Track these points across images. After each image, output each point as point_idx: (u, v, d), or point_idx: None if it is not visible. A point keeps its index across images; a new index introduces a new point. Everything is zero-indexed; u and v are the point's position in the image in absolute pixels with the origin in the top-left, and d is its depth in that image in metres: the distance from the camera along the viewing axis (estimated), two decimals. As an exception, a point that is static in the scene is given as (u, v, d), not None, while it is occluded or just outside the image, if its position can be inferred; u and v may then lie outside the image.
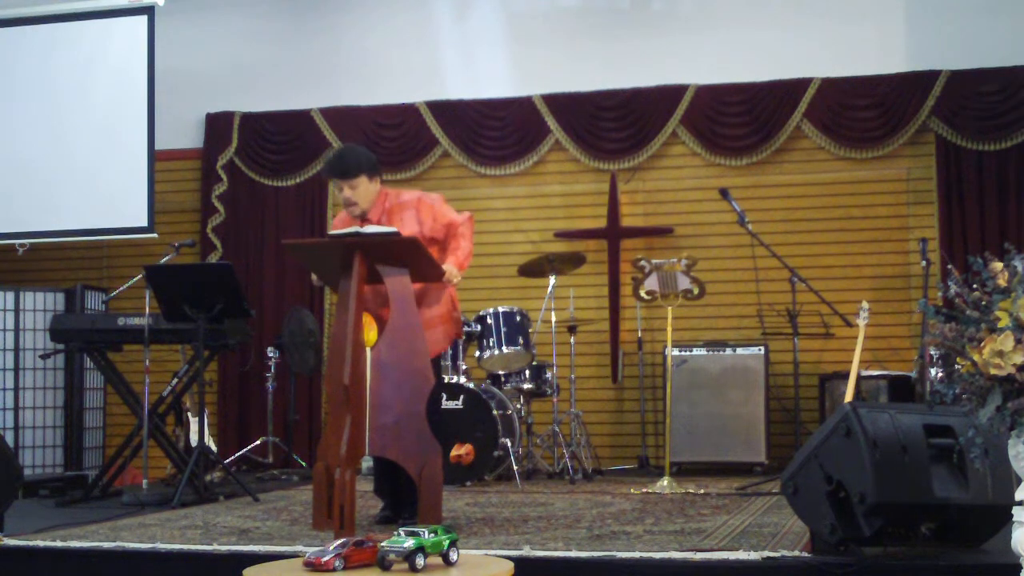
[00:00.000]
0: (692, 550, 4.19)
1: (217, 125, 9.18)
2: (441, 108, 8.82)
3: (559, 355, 7.67)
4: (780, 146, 8.38)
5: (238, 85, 9.15)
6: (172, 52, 8.74)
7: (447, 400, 6.91)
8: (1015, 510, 3.39)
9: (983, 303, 3.37)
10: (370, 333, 4.70)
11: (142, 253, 8.40)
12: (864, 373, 7.34)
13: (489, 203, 8.74)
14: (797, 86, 8.32)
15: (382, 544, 3.28)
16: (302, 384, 8.70)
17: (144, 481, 6.52)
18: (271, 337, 8.44)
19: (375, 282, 4.91)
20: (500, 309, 7.36)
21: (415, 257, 4.79)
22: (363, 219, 5.15)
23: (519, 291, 8.26)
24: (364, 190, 5.13)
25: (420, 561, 3.22)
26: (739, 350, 7.77)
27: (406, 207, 5.16)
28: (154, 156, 8.28)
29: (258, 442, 8.39)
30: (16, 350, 8.07)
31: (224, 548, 4.43)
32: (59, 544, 4.60)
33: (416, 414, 4.66)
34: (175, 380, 6.95)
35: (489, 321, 7.29)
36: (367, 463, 7.59)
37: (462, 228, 5.13)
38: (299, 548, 4.26)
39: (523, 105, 8.72)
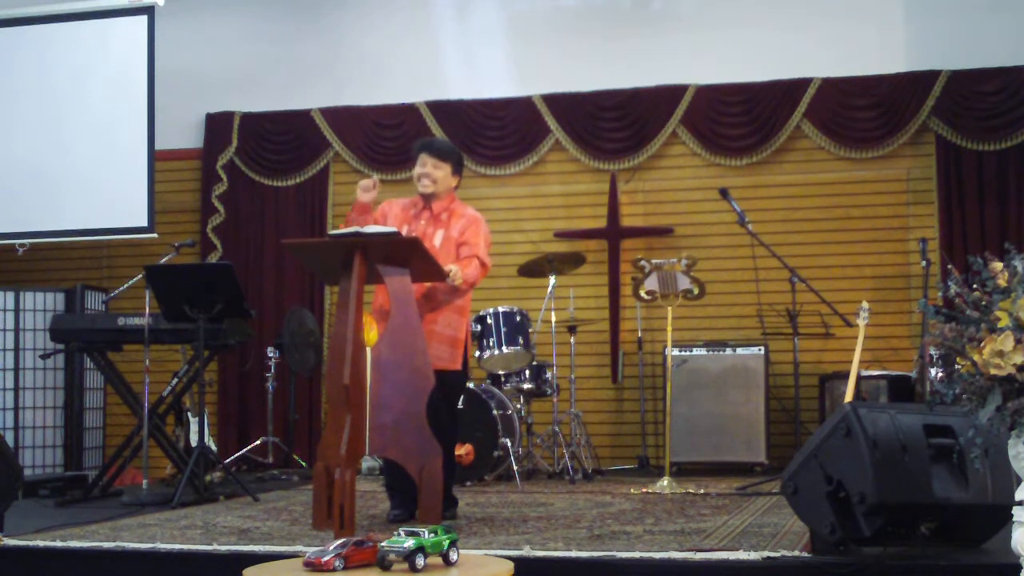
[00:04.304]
0: (692, 550, 4.19)
1: (217, 125, 9.18)
2: (441, 108, 8.82)
3: (559, 355, 7.67)
4: (780, 146, 8.39)
5: (238, 85, 9.15)
6: (172, 52, 8.73)
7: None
8: (1015, 510, 3.39)
9: (983, 303, 3.37)
10: (370, 333, 4.71)
11: (142, 253, 8.40)
12: (864, 373, 7.34)
13: (489, 203, 8.71)
14: (797, 86, 8.32)
15: (382, 544, 3.27)
16: (302, 384, 8.70)
17: (144, 481, 6.51)
18: (271, 337, 8.44)
19: (375, 282, 4.94)
20: (500, 309, 7.36)
21: (415, 257, 4.80)
22: (427, 203, 5.37)
23: (519, 291, 8.26)
24: (443, 176, 5.38)
25: (420, 561, 3.22)
26: (739, 350, 7.77)
27: (464, 216, 5.43)
28: (154, 156, 8.28)
29: (258, 442, 8.39)
30: (16, 350, 8.07)
31: (224, 548, 4.43)
32: (59, 544, 4.60)
33: (416, 414, 4.66)
34: (175, 380, 6.95)
35: (489, 321, 7.29)
36: (367, 463, 7.60)
37: (479, 259, 5.32)
38: (299, 548, 4.26)
39: (523, 105, 8.72)
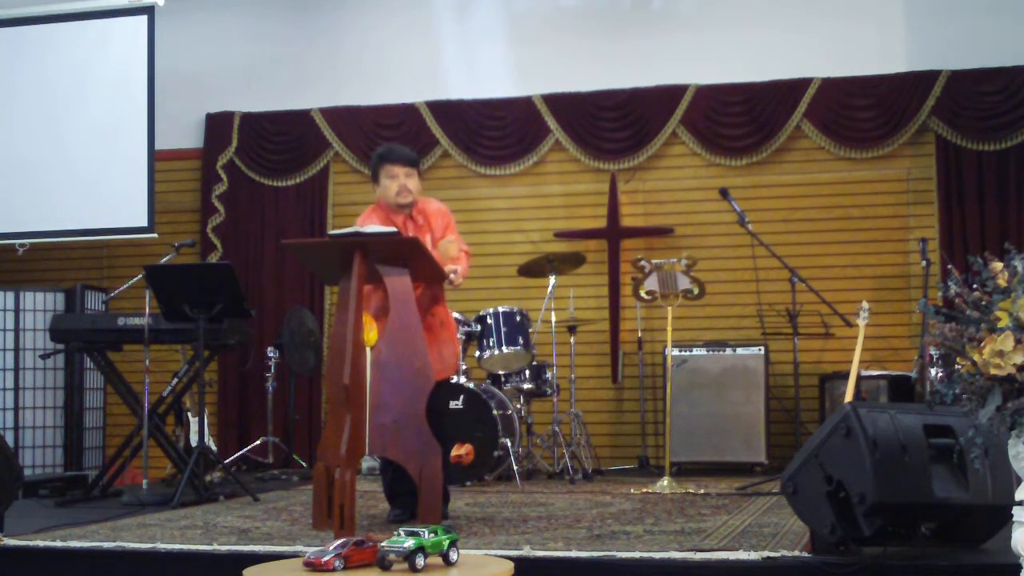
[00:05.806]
0: (692, 550, 4.19)
1: (217, 125, 9.18)
2: (441, 108, 8.82)
3: (559, 355, 7.67)
4: (780, 146, 8.39)
5: (238, 85, 9.15)
6: (172, 52, 8.74)
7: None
8: (1015, 510, 3.39)
9: (983, 303, 3.37)
10: (370, 333, 4.71)
11: (142, 253, 8.40)
12: (864, 373, 7.34)
13: (489, 203, 8.75)
14: (797, 86, 8.32)
15: (382, 544, 3.27)
16: (302, 384, 8.70)
17: (144, 481, 6.52)
18: (271, 337, 8.44)
19: (374, 282, 4.94)
20: (500, 309, 7.36)
21: (415, 257, 4.80)
22: (408, 211, 5.27)
23: (519, 291, 8.26)
24: (416, 183, 5.31)
25: (420, 561, 3.22)
26: (739, 350, 7.77)
27: (437, 212, 5.37)
28: (154, 156, 8.29)
29: (258, 442, 8.38)
30: (16, 350, 8.07)
31: (224, 548, 4.43)
32: (59, 544, 4.60)
33: (416, 414, 4.66)
34: (175, 380, 6.95)
35: (489, 321, 7.29)
36: (367, 463, 7.60)
37: (465, 252, 5.34)
38: (299, 548, 4.26)
39: (523, 105, 8.72)
